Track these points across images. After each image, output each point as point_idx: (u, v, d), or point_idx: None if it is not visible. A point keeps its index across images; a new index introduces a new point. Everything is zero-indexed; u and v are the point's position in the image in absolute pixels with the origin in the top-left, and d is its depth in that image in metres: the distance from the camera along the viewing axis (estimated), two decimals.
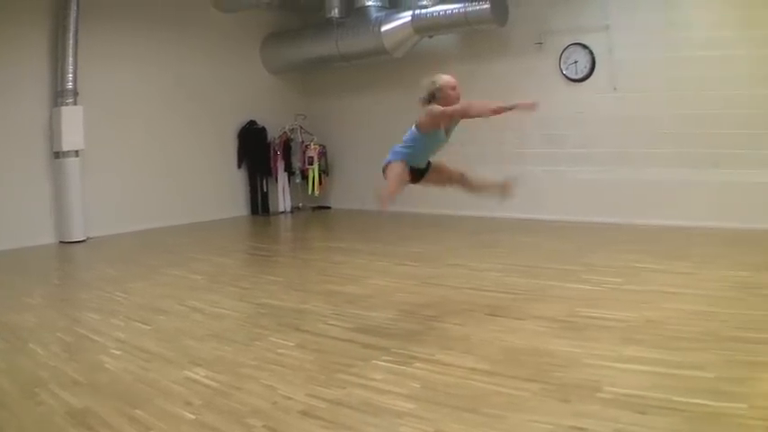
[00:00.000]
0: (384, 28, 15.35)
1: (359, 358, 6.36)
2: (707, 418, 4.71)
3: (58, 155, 14.58)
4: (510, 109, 7.83)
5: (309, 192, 17.98)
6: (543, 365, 5.90)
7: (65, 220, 14.69)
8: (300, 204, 18.51)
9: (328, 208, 18.56)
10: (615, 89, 13.64)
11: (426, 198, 15.60)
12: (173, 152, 16.42)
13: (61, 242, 14.62)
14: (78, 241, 14.57)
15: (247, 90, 17.93)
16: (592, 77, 14.04)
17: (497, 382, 5.56)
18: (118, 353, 6.96)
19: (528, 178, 14.05)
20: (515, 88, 14.59)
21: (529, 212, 14.28)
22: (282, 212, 18.02)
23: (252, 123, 17.84)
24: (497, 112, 7.86)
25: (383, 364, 6.18)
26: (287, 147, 18.04)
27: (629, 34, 13.42)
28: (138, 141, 15.80)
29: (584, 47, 14.00)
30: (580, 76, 14.12)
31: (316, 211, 18.36)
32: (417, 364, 6.08)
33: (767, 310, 7.22)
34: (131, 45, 15.64)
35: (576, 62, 14.14)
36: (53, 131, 14.58)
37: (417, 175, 8.37)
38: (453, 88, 8.18)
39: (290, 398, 5.47)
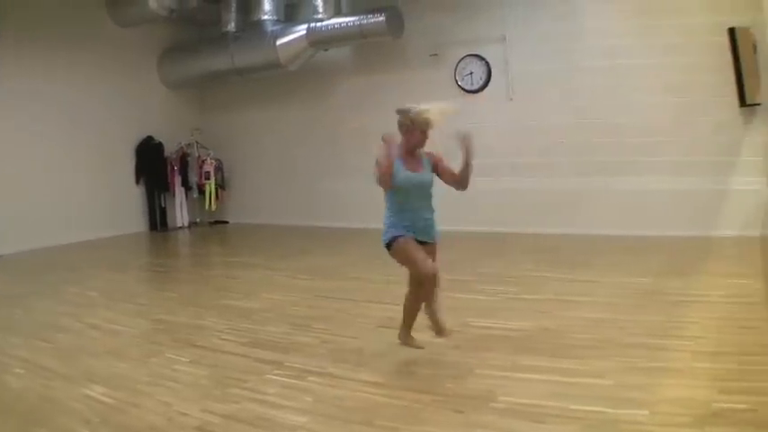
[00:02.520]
0: (279, 41, 15.37)
1: (253, 372, 6.42)
2: (606, 426, 4.86)
3: None
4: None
5: (207, 206, 17.93)
6: (436, 377, 6.01)
7: None
8: (198, 219, 18.45)
9: (226, 222, 18.51)
10: (511, 99, 13.85)
11: (324, 210, 15.71)
12: (72, 169, 16.19)
13: None
14: None
15: (145, 105, 17.79)
16: (488, 88, 14.22)
17: (390, 394, 5.67)
18: (20, 371, 6.91)
19: None
20: (411, 99, 14.64)
21: None
22: (180, 227, 17.91)
23: (149, 139, 17.72)
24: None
25: (276, 378, 6.25)
26: (184, 162, 17.96)
27: (526, 45, 13.69)
28: (39, 156, 15.55)
29: (481, 58, 14.21)
30: (476, 86, 14.29)
31: (213, 225, 18.30)
32: (310, 378, 6.16)
33: (667, 315, 7.41)
34: (29, 61, 15.43)
35: (471, 73, 14.34)
36: None
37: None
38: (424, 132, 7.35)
39: (185, 414, 5.51)
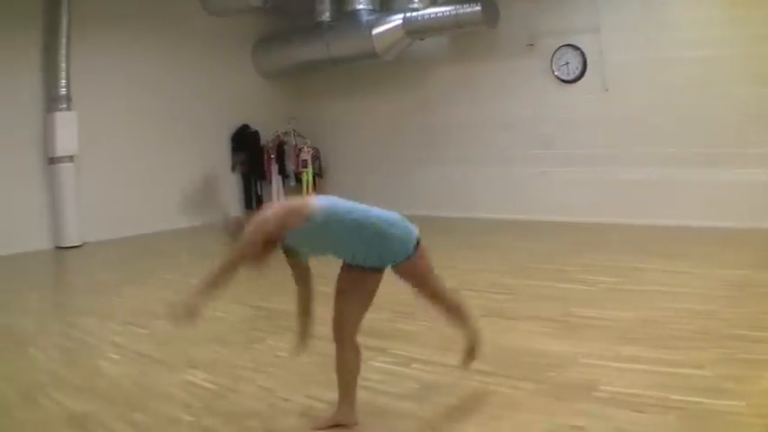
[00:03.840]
0: (375, 31, 15.34)
1: None
2: (704, 416, 4.75)
3: (52, 160, 14.63)
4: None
5: (303, 195, 17.95)
6: (539, 365, 5.96)
7: (60, 226, 14.72)
8: None
9: None
10: (606, 90, 13.66)
11: (417, 200, 15.66)
12: (166, 156, 16.41)
13: (57, 247, 14.65)
14: (74, 246, 14.57)
15: (240, 94, 17.90)
16: (583, 78, 14.03)
17: (494, 382, 5.62)
18: (116, 357, 7.02)
19: (519, 179, 14.14)
20: (506, 90, 14.66)
21: (520, 213, 14.33)
22: None
23: (245, 127, 17.83)
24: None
25: (381, 365, 6.25)
26: (280, 150, 18.02)
27: (620, 35, 13.40)
28: (132, 146, 15.80)
29: (576, 48, 13.99)
30: (572, 77, 14.10)
31: None
32: (415, 365, 6.16)
33: (765, 308, 7.26)
34: (123, 50, 15.68)
35: (567, 63, 14.13)
36: (47, 137, 14.62)
37: None
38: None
39: (288, 399, 5.56)
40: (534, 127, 14.48)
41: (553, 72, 14.25)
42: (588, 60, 13.88)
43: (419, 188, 16.44)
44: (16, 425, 5.38)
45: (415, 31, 15.07)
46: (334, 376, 5.66)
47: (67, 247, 14.56)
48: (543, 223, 13.88)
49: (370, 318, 7.69)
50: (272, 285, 9.91)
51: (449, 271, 9.94)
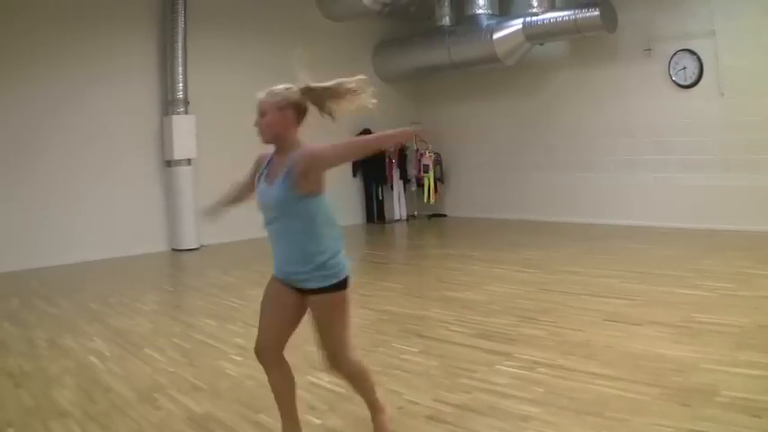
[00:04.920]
0: (496, 36, 15.40)
1: (482, 363, 6.47)
2: None
3: (169, 163, 15.11)
4: None
5: (425, 200, 18.04)
6: (662, 370, 5.93)
7: (177, 228, 15.19)
8: (416, 212, 18.55)
9: (444, 216, 18.57)
10: (722, 95, 13.52)
11: (538, 204, 15.64)
12: None
13: (174, 250, 15.10)
14: (191, 249, 14.90)
15: None
16: (700, 83, 13.91)
17: (619, 387, 5.63)
18: (238, 359, 7.19)
19: (636, 185, 14.05)
20: (624, 95, 14.60)
21: (638, 219, 14.27)
22: (398, 220, 18.12)
23: (366, 131, 17.93)
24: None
25: (506, 369, 6.28)
26: (402, 155, 18.12)
27: (735, 40, 13.30)
28: (249, 149, 15.88)
29: (692, 53, 13.91)
30: (689, 82, 14.01)
31: (431, 218, 18.38)
32: (540, 369, 6.18)
33: None
34: (240, 53, 16.12)
35: (684, 68, 14.06)
36: (164, 140, 15.12)
37: None
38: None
39: (416, 403, 5.61)
40: (652, 132, 14.39)
41: (671, 77, 14.13)
42: (704, 65, 13.76)
43: (538, 193, 16.44)
44: (135, 425, 5.52)
45: (535, 35, 15.09)
46: (460, 380, 5.74)
47: (184, 250, 14.94)
48: (659, 229, 13.85)
49: (495, 322, 7.76)
50: (397, 290, 10.01)
51: (575, 276, 10.01)
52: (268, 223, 4.88)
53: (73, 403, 6.13)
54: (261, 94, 5.05)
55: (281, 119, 4.98)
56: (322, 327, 4.90)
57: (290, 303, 4.97)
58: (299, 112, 5.09)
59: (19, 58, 13.44)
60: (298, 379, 6.19)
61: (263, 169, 5.12)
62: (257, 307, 9.22)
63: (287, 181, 4.73)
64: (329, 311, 4.86)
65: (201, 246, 15.14)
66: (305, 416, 5.43)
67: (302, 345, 7.40)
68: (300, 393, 5.83)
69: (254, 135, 14.34)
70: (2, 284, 12.35)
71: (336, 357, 4.93)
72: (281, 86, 5.05)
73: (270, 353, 5.11)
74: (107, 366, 7.23)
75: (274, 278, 5.03)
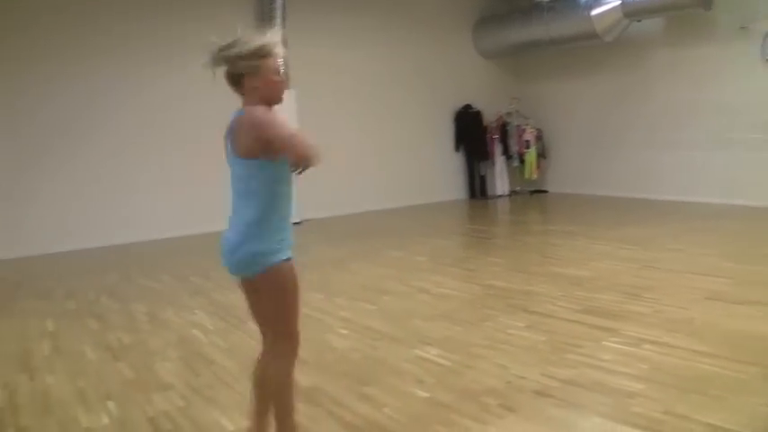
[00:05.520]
0: (594, 12, 15.13)
1: (588, 339, 6.32)
2: None
3: None
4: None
5: (526, 175, 17.87)
6: (764, 349, 5.80)
7: None
8: (518, 188, 18.38)
9: (545, 192, 18.38)
10: None
11: (638, 182, 15.41)
12: (388, 135, 16.69)
13: None
14: (293, 223, 14.81)
15: (461, 73, 17.95)
16: None
17: (721, 365, 5.49)
18: (345, 332, 7.12)
19: (732, 163, 13.80)
20: (718, 73, 14.29)
21: (734, 198, 13.95)
22: (500, 196, 17.93)
23: (467, 107, 17.83)
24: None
25: (612, 345, 6.13)
26: (503, 130, 17.96)
27: None
28: (352, 124, 16.14)
29: None
30: None
31: (533, 194, 18.20)
32: (645, 346, 6.02)
33: None
34: (341, 29, 16.00)
35: None
36: None
37: None
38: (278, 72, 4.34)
39: (523, 377, 5.48)
40: (747, 111, 14.07)
41: (765, 56, 13.79)
42: None
43: (637, 170, 16.17)
44: (240, 398, 5.48)
45: (632, 12, 14.79)
46: (567, 355, 5.58)
47: None
48: (755, 208, 13.48)
49: (600, 298, 7.60)
50: (502, 265, 9.90)
51: (676, 254, 9.82)
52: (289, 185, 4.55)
53: (175, 376, 6.15)
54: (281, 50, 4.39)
55: None
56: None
57: None
58: None
59: (120, 36, 13.54)
60: (405, 352, 6.13)
61: None
62: (363, 281, 9.22)
63: None
64: None
65: (303, 220, 15.04)
66: (412, 389, 5.40)
67: (408, 318, 7.34)
68: (408, 366, 5.84)
69: (355, 111, 14.17)
70: (98, 259, 12.50)
71: None
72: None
73: None
74: (210, 339, 7.26)
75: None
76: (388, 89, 16.69)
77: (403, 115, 16.93)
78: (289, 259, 4.43)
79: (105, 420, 5.31)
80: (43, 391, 6.04)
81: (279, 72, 4.27)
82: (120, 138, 13.64)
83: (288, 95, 14.40)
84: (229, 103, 4.38)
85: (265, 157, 4.13)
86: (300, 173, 4.06)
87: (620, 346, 6.06)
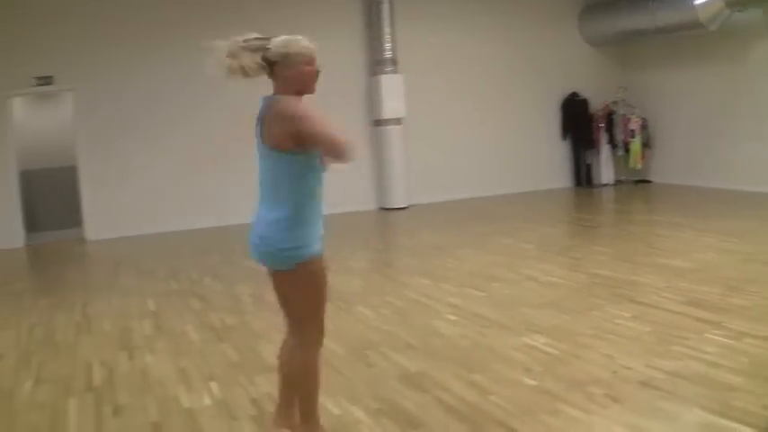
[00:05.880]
0: (697, 1, 15.01)
1: (693, 331, 6.35)
2: None
3: (378, 123, 15.28)
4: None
5: (631, 165, 17.74)
6: None
7: (385, 188, 15.38)
8: (623, 177, 18.28)
9: (649, 182, 18.24)
10: None
11: (744, 174, 15.24)
12: (495, 121, 16.71)
13: (381, 209, 15.27)
14: (399, 208, 15.01)
15: (567, 61, 17.83)
16: None
17: None
18: (453, 318, 7.23)
19: None
20: None
21: None
22: (605, 185, 17.82)
23: (574, 95, 17.77)
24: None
25: (715, 337, 6.15)
26: (609, 119, 17.87)
27: None
28: (458, 110, 16.22)
29: None
30: None
31: (637, 184, 18.07)
32: (747, 340, 6.04)
33: None
34: (449, 15, 16.03)
35: None
36: (373, 100, 15.29)
37: None
38: (310, 62, 4.30)
39: (629, 368, 5.55)
40: None
41: None
42: None
43: (742, 162, 15.98)
44: (347, 382, 5.63)
45: (734, 2, 14.64)
46: (672, 347, 5.65)
47: (393, 209, 15.12)
48: None
49: (704, 291, 7.61)
50: (608, 254, 9.93)
51: None
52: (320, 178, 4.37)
53: None
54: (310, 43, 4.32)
55: None
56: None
57: None
58: None
59: (217, 19, 13.67)
60: (513, 339, 6.21)
61: None
62: (470, 267, 9.33)
63: None
64: None
65: (410, 205, 15.18)
66: (519, 377, 5.48)
67: (516, 306, 7.43)
68: (515, 354, 5.92)
69: (462, 97, 14.21)
70: (202, 240, 12.80)
71: None
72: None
73: None
74: None
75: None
76: (495, 75, 16.71)
77: (510, 101, 16.94)
78: (318, 253, 4.33)
79: (207, 401, 5.50)
80: (142, 369, 6.26)
81: (311, 62, 4.26)
82: (222, 118, 13.96)
83: (395, 80, 14.59)
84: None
85: (298, 150, 4.10)
86: (331, 166, 4.17)
87: (722, 339, 6.09)
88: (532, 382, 5.36)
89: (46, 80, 13.59)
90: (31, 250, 13.57)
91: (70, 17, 13.45)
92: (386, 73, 15.08)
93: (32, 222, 14.61)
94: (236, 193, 13.77)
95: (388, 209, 15.31)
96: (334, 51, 14.50)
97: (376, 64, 15.25)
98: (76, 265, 12.34)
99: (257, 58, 4.15)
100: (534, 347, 6.11)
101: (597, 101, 17.84)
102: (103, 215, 13.63)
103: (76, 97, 13.83)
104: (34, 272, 12.33)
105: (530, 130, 17.16)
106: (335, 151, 3.95)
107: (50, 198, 15.16)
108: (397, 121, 15.20)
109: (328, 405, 5.14)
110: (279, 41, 4.20)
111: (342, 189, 14.44)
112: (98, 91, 13.39)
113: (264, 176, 4.32)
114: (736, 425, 4.47)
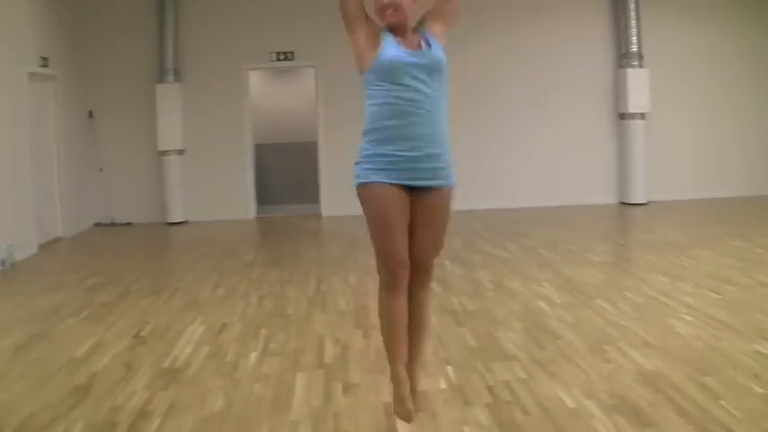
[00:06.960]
0: None
1: None
2: None
3: (623, 116, 15.20)
4: None
5: None
6: None
7: (627, 182, 15.27)
8: None
9: None
10: None
11: None
12: (743, 119, 15.97)
13: (621, 203, 15.18)
14: (639, 204, 14.95)
15: None
16: None
17: None
18: (689, 318, 7.14)
19: None
20: None
21: None
22: None
23: None
24: None
25: None
26: None
27: None
28: (709, 106, 15.75)
29: None
30: None
31: None
32: None
33: None
34: (699, 9, 15.62)
35: None
36: (618, 93, 15.24)
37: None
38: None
39: None
40: None
41: None
42: None
43: None
44: (584, 376, 5.65)
45: None
46: None
47: (633, 204, 15.05)
48: None
49: None
50: None
51: None
52: (416, 90, 4.02)
53: (519, 347, 6.39)
54: None
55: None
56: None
57: (407, 210, 4.17)
58: None
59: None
60: (743, 346, 6.15)
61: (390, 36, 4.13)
62: (708, 268, 9.25)
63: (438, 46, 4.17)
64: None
65: (650, 201, 15.08)
66: (749, 383, 5.37)
67: (749, 311, 7.32)
68: (745, 360, 5.82)
69: (709, 94, 13.92)
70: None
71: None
72: None
73: (407, 270, 4.23)
74: (557, 313, 7.47)
75: (384, 183, 4.06)
76: (744, 75, 15.99)
77: (763, 99, 16.29)
78: (380, 182, 4.05)
79: (442, 385, 5.61)
80: (376, 349, 6.26)
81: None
82: (478, 112, 14.26)
83: (641, 74, 14.47)
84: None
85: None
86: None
87: None
88: (760, 390, 5.26)
89: (287, 55, 14.04)
90: (262, 223, 14.14)
91: None
92: (632, 66, 15.02)
93: (263, 196, 15.16)
94: (484, 179, 14.33)
95: (627, 204, 15.21)
96: (580, 45, 14.64)
97: (622, 57, 15.19)
98: (311, 240, 12.89)
99: None
100: (765, 355, 5.97)
101: None
102: (341, 192, 13.80)
103: (318, 74, 14.26)
104: (265, 244, 12.88)
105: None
106: None
107: (282, 173, 15.68)
108: (642, 115, 15.09)
109: (564, 397, 5.24)
110: None
111: (580, 182, 14.52)
112: (341, 68, 13.55)
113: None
114: None
